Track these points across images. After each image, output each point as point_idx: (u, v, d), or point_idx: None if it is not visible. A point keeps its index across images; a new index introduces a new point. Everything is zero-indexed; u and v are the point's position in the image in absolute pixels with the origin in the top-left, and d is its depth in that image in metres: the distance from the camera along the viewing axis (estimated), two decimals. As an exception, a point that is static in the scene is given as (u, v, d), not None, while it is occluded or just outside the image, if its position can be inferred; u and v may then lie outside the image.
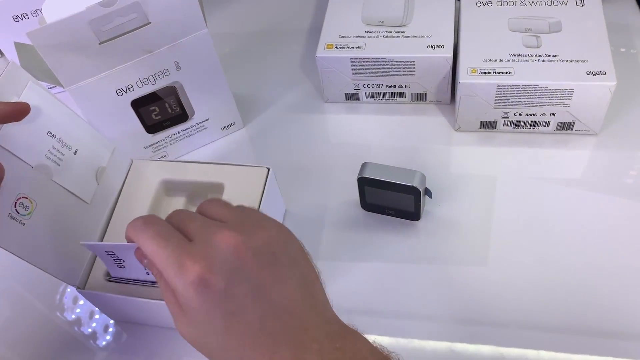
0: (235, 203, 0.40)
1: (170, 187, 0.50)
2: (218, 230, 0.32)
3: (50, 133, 0.44)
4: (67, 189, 0.45)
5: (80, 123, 0.47)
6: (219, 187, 0.49)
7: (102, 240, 0.47)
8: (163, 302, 0.42)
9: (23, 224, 0.41)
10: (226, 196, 0.47)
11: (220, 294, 0.31)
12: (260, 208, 0.47)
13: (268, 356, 0.31)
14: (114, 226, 0.48)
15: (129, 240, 0.35)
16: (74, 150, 0.45)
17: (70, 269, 0.45)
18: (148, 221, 0.34)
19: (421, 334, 0.46)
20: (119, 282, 0.45)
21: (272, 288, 0.31)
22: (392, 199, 0.50)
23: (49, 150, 0.43)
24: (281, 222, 0.51)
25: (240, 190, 0.46)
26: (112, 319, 0.50)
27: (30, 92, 0.42)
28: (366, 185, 0.50)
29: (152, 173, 0.50)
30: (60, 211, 0.44)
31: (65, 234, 0.44)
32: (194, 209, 0.47)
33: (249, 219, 0.34)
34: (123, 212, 0.49)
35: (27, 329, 0.51)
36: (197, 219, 0.34)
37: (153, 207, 0.49)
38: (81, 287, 0.45)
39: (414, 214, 0.51)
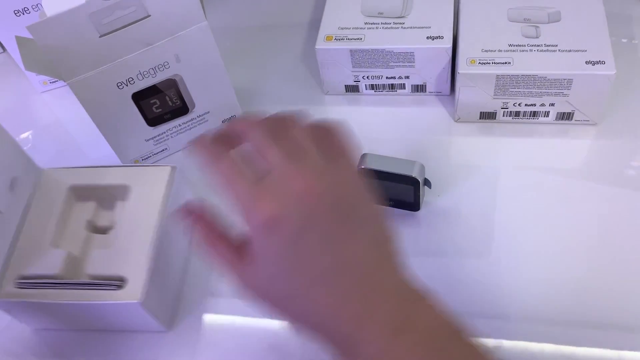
0: (142, 204, 0.46)
1: (79, 193, 0.51)
2: (297, 173, 0.31)
3: None
4: None
5: None
6: (125, 189, 0.49)
7: (13, 249, 0.47)
8: (78, 303, 0.44)
9: None
10: (133, 198, 0.48)
11: (291, 236, 0.30)
12: (167, 203, 0.47)
13: (338, 306, 0.30)
14: (26, 234, 0.48)
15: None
16: None
17: None
18: (220, 155, 0.32)
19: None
20: (30, 288, 0.45)
21: (343, 243, 0.31)
22: (391, 190, 0.50)
23: None
24: None
25: (147, 190, 0.48)
26: (29, 326, 0.50)
27: None
28: (366, 176, 0.50)
29: (61, 180, 0.50)
30: None
31: None
32: (105, 213, 0.50)
33: (333, 166, 0.33)
34: (33, 220, 0.49)
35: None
36: (280, 148, 0.32)
37: (63, 214, 0.49)
38: None
39: (413, 205, 0.51)
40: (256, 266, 0.32)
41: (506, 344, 0.45)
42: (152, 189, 0.48)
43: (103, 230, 0.50)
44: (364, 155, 0.50)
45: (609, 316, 0.45)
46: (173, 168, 0.49)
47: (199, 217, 0.35)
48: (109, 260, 0.46)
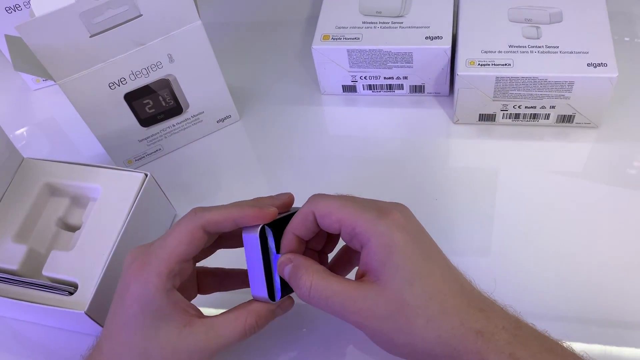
0: (109, 209, 0.47)
1: (53, 188, 0.50)
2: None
3: None
4: None
5: None
6: (96, 191, 0.49)
7: None
8: (27, 304, 0.44)
9: None
10: (102, 201, 0.48)
11: (416, 232, 0.37)
12: (133, 212, 0.47)
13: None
14: None
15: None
16: None
17: None
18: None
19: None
20: None
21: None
22: None
23: None
24: (170, 224, 0.54)
25: (116, 195, 0.48)
26: None
27: None
28: None
29: (38, 173, 0.50)
30: None
31: None
32: (78, 211, 0.50)
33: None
34: (4, 211, 0.48)
35: None
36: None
37: (35, 208, 0.49)
38: None
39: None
40: (386, 279, 0.36)
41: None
42: (122, 195, 0.48)
43: (73, 229, 0.49)
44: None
45: (609, 314, 0.45)
46: (146, 175, 0.48)
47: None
48: (66, 263, 0.45)
